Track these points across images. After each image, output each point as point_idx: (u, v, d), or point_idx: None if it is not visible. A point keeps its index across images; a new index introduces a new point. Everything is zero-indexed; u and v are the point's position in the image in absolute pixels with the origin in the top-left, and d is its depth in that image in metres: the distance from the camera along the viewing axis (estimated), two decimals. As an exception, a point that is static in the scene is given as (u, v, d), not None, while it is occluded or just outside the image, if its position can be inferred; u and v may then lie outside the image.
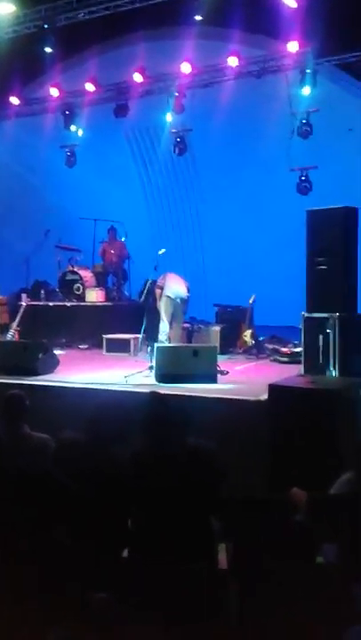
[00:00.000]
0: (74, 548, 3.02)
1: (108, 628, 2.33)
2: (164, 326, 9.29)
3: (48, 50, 10.58)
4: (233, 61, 10.39)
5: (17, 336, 9.85)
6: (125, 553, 3.44)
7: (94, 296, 11.22)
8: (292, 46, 9.88)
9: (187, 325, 9.92)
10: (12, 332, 9.99)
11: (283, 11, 9.12)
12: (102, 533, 3.35)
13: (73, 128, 12.52)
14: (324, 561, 3.48)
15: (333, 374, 6.55)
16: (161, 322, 9.31)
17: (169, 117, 11.65)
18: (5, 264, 12.34)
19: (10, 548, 2.67)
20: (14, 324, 10.08)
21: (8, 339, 9.72)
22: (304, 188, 10.74)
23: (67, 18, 10.27)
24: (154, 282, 9.49)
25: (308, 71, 10.10)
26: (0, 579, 2.56)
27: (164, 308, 9.26)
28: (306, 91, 10.24)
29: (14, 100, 12.44)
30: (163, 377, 6.96)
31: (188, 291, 9.45)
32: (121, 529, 3.55)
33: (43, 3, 10.24)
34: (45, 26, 10.15)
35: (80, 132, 12.55)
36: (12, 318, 10.51)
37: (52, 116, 12.76)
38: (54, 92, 12.01)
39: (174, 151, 12.10)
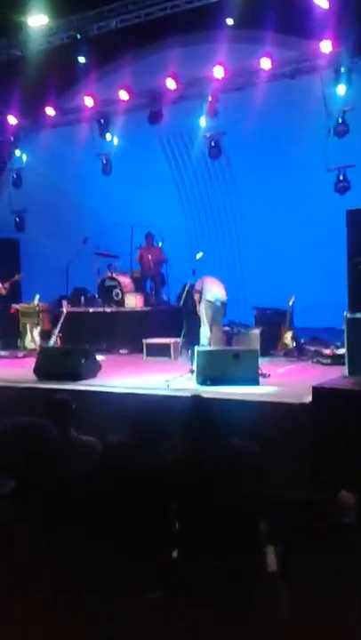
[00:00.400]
0: (123, 550, 3.05)
1: (163, 625, 2.36)
2: (205, 330, 9.31)
3: (81, 60, 10.75)
4: (266, 63, 10.38)
5: (59, 342, 10.01)
6: (175, 554, 3.47)
7: (133, 301, 11.31)
8: (326, 46, 9.83)
9: (227, 329, 9.92)
10: (54, 338, 10.15)
11: (314, 11, 9.09)
12: (150, 535, 3.38)
13: (108, 136, 12.66)
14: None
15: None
16: (202, 325, 9.33)
17: (203, 122, 11.68)
18: (46, 272, 12.54)
19: (60, 551, 2.72)
20: (56, 331, 10.24)
21: (51, 345, 9.87)
22: (342, 187, 10.63)
23: (99, 27, 10.43)
24: (192, 286, 9.53)
25: (342, 70, 10.04)
26: (50, 584, 2.60)
27: (204, 311, 9.29)
28: (341, 90, 10.18)
29: (50, 111, 12.64)
30: (204, 380, 6.98)
31: (227, 293, 9.46)
32: (169, 530, 3.58)
33: (74, 13, 10.40)
34: (78, 36, 10.30)
35: (115, 141, 12.68)
36: (54, 325, 10.68)
37: (87, 125, 12.93)
38: (89, 101, 12.16)
39: (209, 155, 12.13)
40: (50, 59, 11.14)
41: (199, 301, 9.37)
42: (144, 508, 3.46)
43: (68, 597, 2.54)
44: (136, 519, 3.40)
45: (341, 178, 10.67)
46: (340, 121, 10.24)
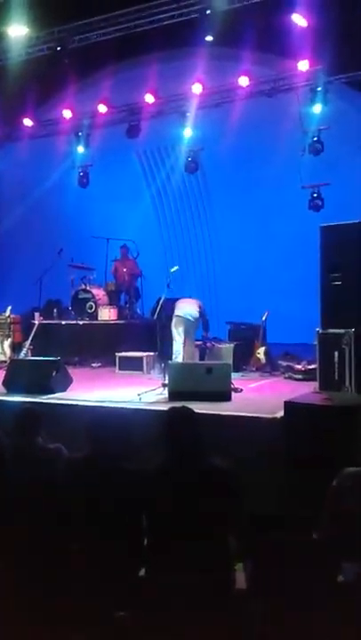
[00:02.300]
0: (90, 565, 2.98)
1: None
2: (176, 346, 9.29)
3: (60, 72, 10.73)
4: (244, 81, 10.49)
5: (30, 354, 9.87)
6: (142, 572, 3.40)
7: (107, 314, 11.23)
8: (303, 65, 9.96)
9: (199, 343, 9.90)
10: (25, 350, 10.01)
11: (293, 30, 9.20)
12: (117, 552, 3.30)
13: (80, 149, 12.64)
14: (344, 580, 3.41)
15: (350, 391, 6.49)
16: (174, 342, 9.31)
17: (187, 132, 11.67)
18: (18, 283, 12.40)
19: (24, 562, 2.65)
20: (27, 343, 10.11)
21: (22, 357, 9.74)
22: (316, 204, 10.74)
23: (80, 40, 10.40)
24: (167, 299, 9.51)
25: (318, 89, 10.19)
26: (17, 592, 2.54)
27: (174, 328, 9.30)
28: (317, 108, 10.32)
29: (28, 122, 12.58)
30: (176, 395, 6.91)
31: (202, 309, 9.46)
32: (136, 548, 3.51)
33: (55, 25, 10.38)
34: (58, 48, 10.27)
35: (93, 154, 12.64)
36: (26, 337, 10.54)
37: (65, 137, 12.89)
38: (67, 113, 12.13)
39: (186, 170, 12.17)
40: (29, 70, 11.09)
41: (171, 320, 9.38)
42: (112, 524, 3.39)
43: (31, 613, 2.47)
44: (104, 535, 3.33)
45: (315, 195, 10.78)
46: (315, 139, 10.37)
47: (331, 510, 3.55)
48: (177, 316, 9.33)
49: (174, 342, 9.31)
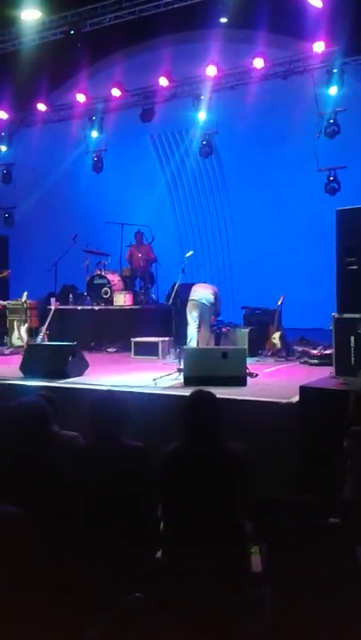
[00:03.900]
0: (104, 549, 3.01)
1: (142, 628, 2.33)
2: (191, 330, 9.29)
3: (73, 56, 10.68)
4: (259, 63, 10.37)
5: (46, 339, 9.95)
6: (159, 554, 3.43)
7: (122, 300, 11.25)
8: (318, 46, 9.84)
9: (215, 328, 9.90)
10: (41, 335, 10.08)
11: (308, 11, 9.08)
12: (134, 535, 3.34)
13: (94, 134, 12.61)
14: (359, 563, 3.42)
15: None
16: (188, 326, 9.31)
17: (202, 115, 11.56)
18: (34, 269, 12.46)
19: (42, 545, 2.69)
20: (43, 328, 10.17)
21: (38, 342, 9.81)
22: (332, 188, 10.63)
23: (92, 24, 10.35)
24: (182, 285, 9.50)
25: (334, 71, 10.06)
26: (31, 578, 2.57)
27: (189, 312, 9.30)
28: (333, 90, 10.19)
29: (41, 107, 12.56)
30: (192, 379, 6.93)
31: (216, 294, 9.45)
32: (153, 530, 3.54)
33: (68, 9, 10.33)
34: (71, 32, 10.22)
35: (107, 138, 12.61)
36: (42, 322, 10.61)
37: (78, 122, 12.86)
38: (81, 97, 12.09)
39: (200, 154, 12.10)
40: (42, 54, 11.06)
41: (186, 304, 9.39)
42: (129, 508, 3.42)
43: (47, 596, 2.51)
44: (120, 518, 3.36)
45: (332, 178, 10.67)
46: (331, 122, 10.24)
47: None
48: (192, 300, 9.33)
49: (188, 327, 9.32)
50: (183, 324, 9.38)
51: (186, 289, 9.63)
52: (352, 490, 4.22)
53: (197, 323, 9.28)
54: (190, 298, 9.37)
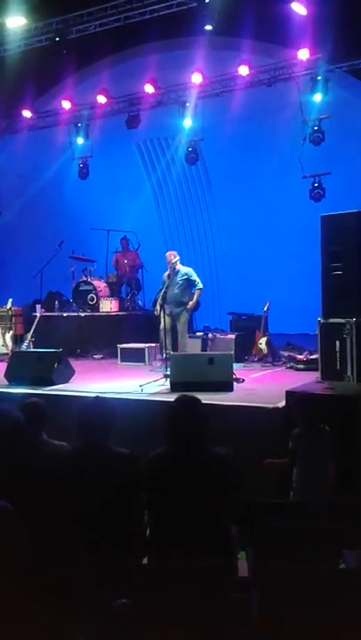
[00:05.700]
0: (91, 554, 3.00)
1: (129, 632, 2.32)
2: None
3: (59, 62, 10.68)
4: (244, 70, 10.43)
5: (31, 346, 9.89)
6: (144, 561, 3.42)
7: (108, 306, 11.24)
8: (303, 54, 9.91)
9: (201, 334, 9.90)
10: (26, 342, 10.03)
11: (293, 19, 9.15)
12: (120, 541, 3.32)
13: (80, 140, 12.61)
14: (346, 567, 3.43)
15: (351, 380, 6.49)
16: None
17: (187, 122, 11.60)
18: (19, 275, 12.41)
19: (31, 552, 2.68)
20: (29, 335, 10.12)
21: (23, 349, 9.75)
22: (317, 194, 10.71)
23: (78, 30, 10.35)
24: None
25: (318, 78, 10.14)
26: (20, 581, 2.56)
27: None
28: (317, 97, 10.28)
29: (27, 113, 12.54)
30: (178, 385, 6.92)
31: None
32: (139, 536, 3.53)
33: (54, 15, 10.32)
34: (57, 39, 10.22)
35: (92, 145, 12.61)
36: (27, 329, 10.56)
37: (64, 129, 12.85)
38: (66, 104, 12.09)
39: (186, 160, 12.13)
40: (28, 61, 11.05)
41: None
42: (115, 513, 3.40)
43: (34, 598, 2.49)
44: (107, 524, 3.34)
45: (317, 185, 10.74)
46: (315, 129, 10.31)
47: None
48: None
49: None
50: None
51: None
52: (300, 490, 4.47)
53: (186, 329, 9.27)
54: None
